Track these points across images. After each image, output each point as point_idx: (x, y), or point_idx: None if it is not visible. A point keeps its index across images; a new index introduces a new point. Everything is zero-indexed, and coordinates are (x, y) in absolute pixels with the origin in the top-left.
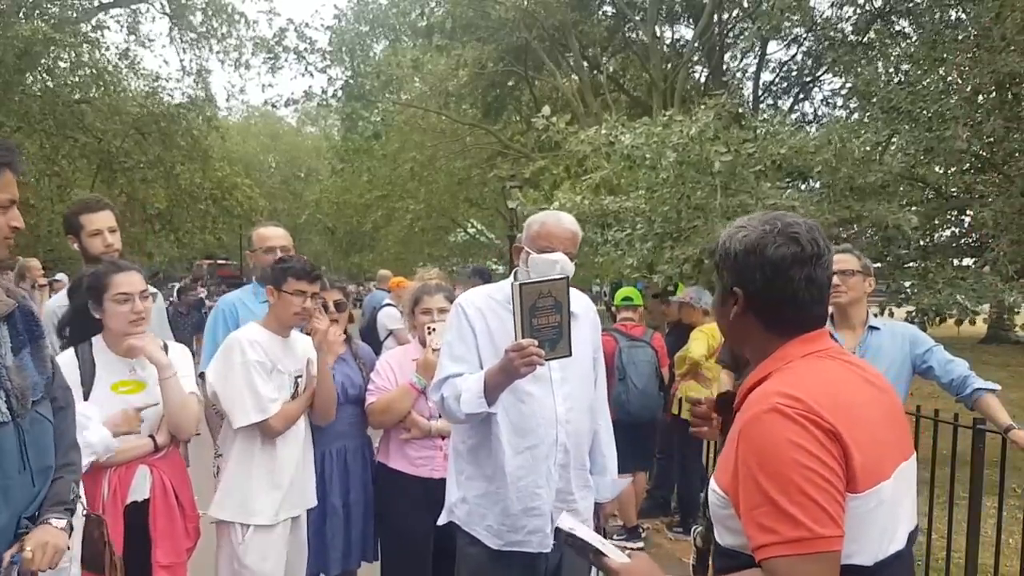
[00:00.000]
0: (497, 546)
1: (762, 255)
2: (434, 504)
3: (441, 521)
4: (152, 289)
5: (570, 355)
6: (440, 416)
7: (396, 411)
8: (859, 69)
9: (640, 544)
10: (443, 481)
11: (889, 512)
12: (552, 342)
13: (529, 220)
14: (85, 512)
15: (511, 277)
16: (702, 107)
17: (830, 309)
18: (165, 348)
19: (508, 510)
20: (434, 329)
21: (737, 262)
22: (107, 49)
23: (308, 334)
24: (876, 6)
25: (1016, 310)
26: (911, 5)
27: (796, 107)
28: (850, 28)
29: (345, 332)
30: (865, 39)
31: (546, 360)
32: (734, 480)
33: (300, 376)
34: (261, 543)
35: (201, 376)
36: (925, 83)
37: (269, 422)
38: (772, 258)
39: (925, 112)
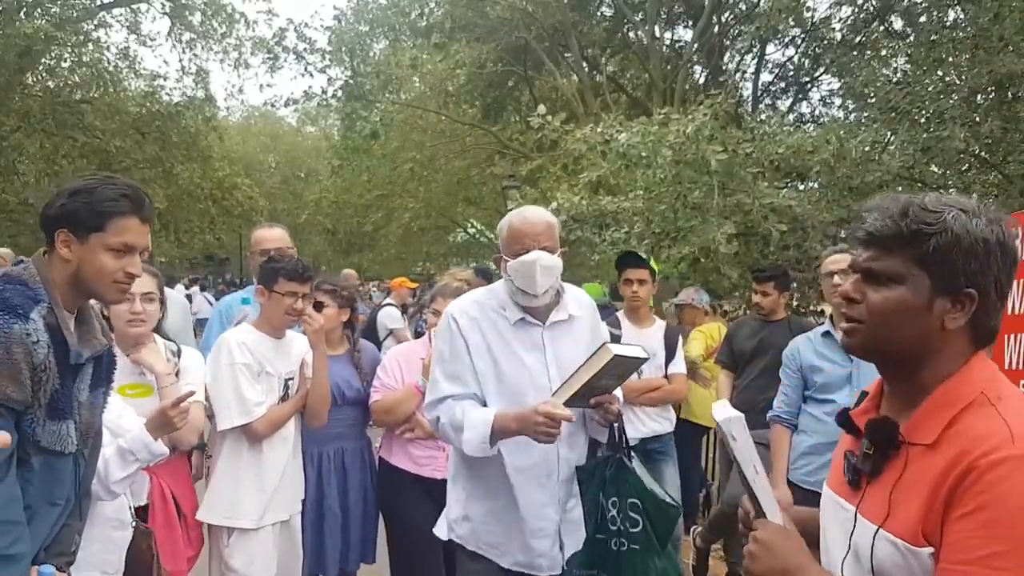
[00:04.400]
0: (508, 564)
1: (1012, 250)
2: (438, 503)
3: (443, 536)
4: (167, 291)
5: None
6: None
7: (400, 412)
8: (857, 70)
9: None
10: (444, 482)
11: None
12: (585, 398)
13: (499, 227)
14: (133, 523)
15: (502, 283)
16: (699, 106)
17: (828, 310)
18: (178, 353)
19: (518, 531)
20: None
21: (985, 257)
22: (108, 48)
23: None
24: (874, 5)
25: None
26: (907, 5)
27: (795, 107)
28: (847, 28)
29: (347, 332)
30: (862, 39)
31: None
32: (936, 524)
33: (291, 379)
34: (246, 546)
35: None
36: (924, 83)
37: (253, 426)
38: (1015, 253)
39: (924, 112)
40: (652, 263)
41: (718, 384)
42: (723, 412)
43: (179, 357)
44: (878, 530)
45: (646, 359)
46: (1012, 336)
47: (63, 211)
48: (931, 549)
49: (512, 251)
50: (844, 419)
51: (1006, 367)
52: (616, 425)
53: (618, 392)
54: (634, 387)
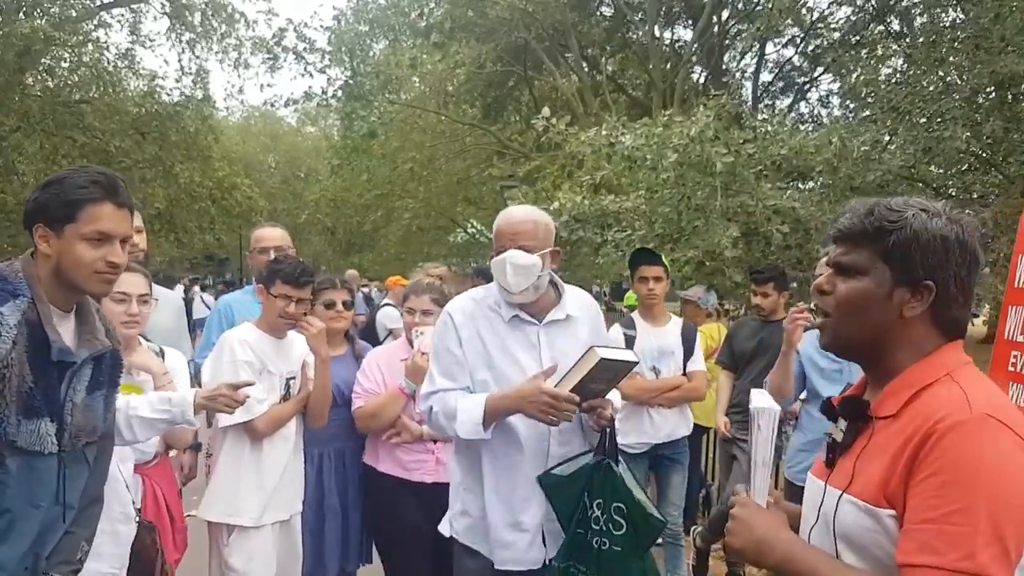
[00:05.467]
0: (499, 564)
1: (973, 253)
2: (428, 507)
3: (445, 533)
4: (162, 291)
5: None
6: None
7: (384, 417)
8: (858, 69)
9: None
10: (435, 485)
11: None
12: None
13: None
14: (137, 519)
15: (496, 283)
16: (702, 107)
17: None
18: (162, 354)
19: (502, 525)
20: (422, 332)
21: (942, 252)
22: (107, 49)
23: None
24: (873, 6)
25: None
26: (906, 5)
27: (794, 107)
28: (847, 28)
29: (347, 332)
30: (862, 38)
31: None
32: (899, 489)
33: (293, 378)
34: (245, 545)
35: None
36: (924, 83)
37: (254, 423)
38: (975, 251)
39: (924, 112)
40: (664, 260)
41: (718, 384)
42: (761, 401)
43: (163, 358)
44: (842, 494)
45: (635, 363)
46: (1013, 308)
47: (36, 205)
48: (891, 511)
49: (495, 249)
50: (826, 407)
51: (1006, 337)
52: (608, 430)
53: (615, 397)
54: (652, 387)
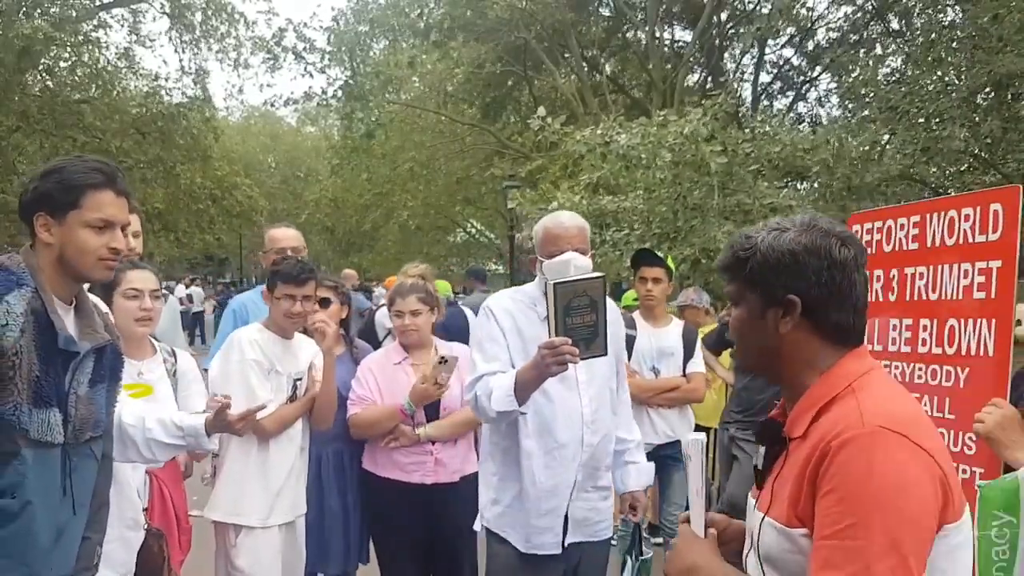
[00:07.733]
0: (525, 548)
1: (828, 256)
2: (426, 509)
3: (476, 527)
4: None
5: (605, 354)
6: (427, 422)
7: (379, 430)
8: (857, 69)
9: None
10: (435, 487)
11: (968, 547)
12: (587, 341)
13: (534, 230)
14: (145, 525)
15: (535, 283)
16: (699, 107)
17: None
18: (174, 355)
19: (536, 512)
20: (445, 360)
21: (794, 265)
22: (107, 49)
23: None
24: (873, 5)
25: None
26: (906, 3)
27: (793, 107)
28: (846, 27)
29: (345, 334)
30: (861, 38)
31: (581, 359)
32: (807, 507)
33: (300, 379)
34: (252, 545)
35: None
36: (923, 83)
37: (261, 423)
38: (839, 259)
39: (923, 112)
40: (669, 262)
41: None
42: (692, 434)
43: (175, 359)
44: (763, 518)
45: (600, 276)
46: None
47: (37, 194)
48: (804, 530)
49: (547, 252)
50: (756, 431)
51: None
52: (638, 527)
53: (639, 482)
54: (651, 387)
